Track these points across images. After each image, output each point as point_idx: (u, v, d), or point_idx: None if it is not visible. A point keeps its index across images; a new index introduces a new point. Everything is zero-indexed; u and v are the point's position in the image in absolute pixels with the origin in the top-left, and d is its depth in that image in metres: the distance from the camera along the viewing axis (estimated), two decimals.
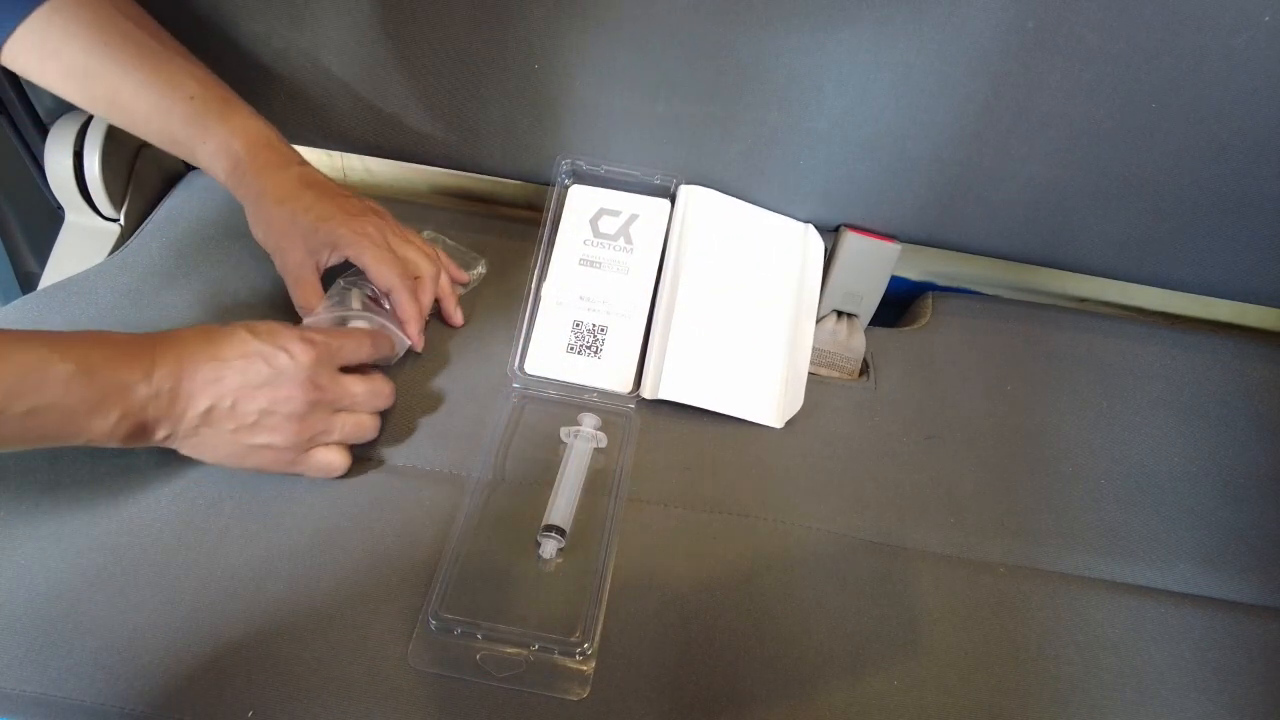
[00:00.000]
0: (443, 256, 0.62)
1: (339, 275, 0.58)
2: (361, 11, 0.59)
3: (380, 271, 0.55)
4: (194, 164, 0.56)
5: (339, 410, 0.50)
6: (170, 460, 0.51)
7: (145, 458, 0.51)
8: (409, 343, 0.57)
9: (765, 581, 0.50)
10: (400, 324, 0.57)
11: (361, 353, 0.52)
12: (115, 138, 0.66)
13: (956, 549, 0.54)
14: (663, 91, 0.60)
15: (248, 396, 0.46)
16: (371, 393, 0.51)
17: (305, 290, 0.56)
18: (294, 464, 0.49)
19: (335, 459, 0.50)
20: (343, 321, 0.55)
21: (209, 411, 0.45)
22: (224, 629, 0.45)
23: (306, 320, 0.56)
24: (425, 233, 0.66)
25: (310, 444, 0.49)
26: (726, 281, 0.63)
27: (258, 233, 0.56)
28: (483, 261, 0.67)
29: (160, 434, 0.45)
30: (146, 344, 0.44)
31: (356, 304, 0.56)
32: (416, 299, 0.57)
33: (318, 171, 0.58)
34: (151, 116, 0.54)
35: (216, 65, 0.63)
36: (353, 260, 0.56)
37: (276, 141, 0.56)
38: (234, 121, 0.55)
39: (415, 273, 0.57)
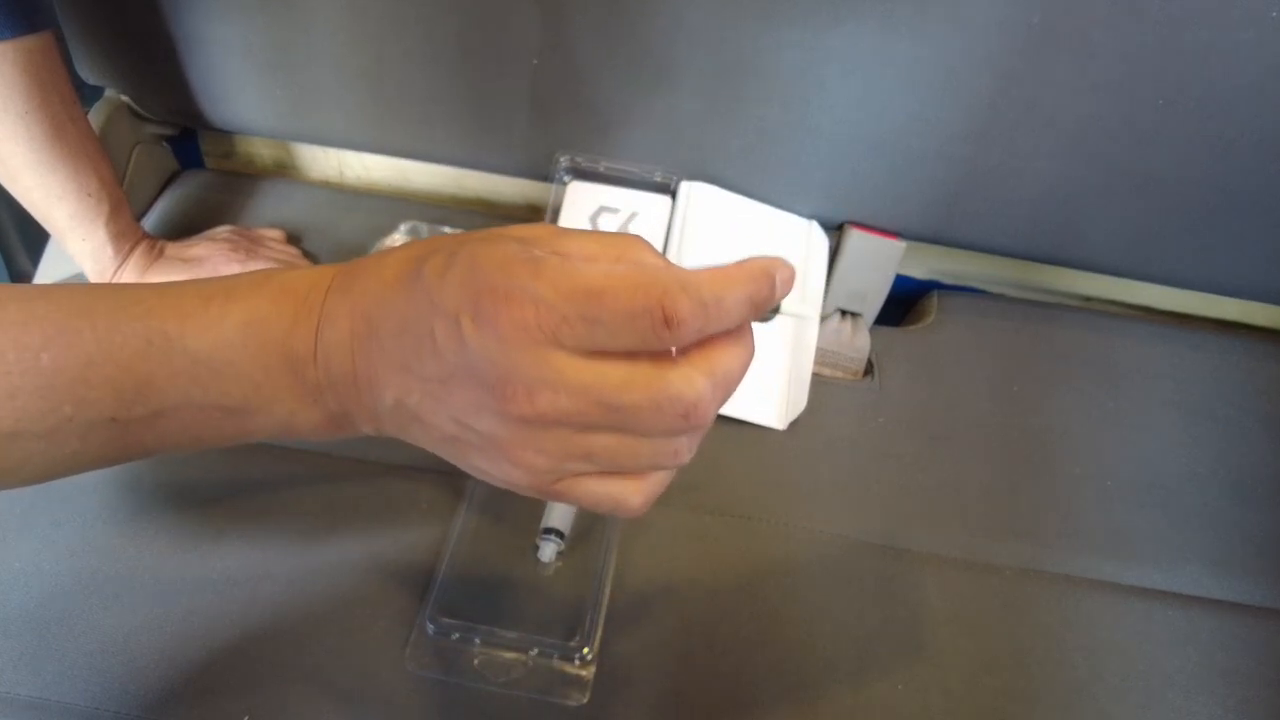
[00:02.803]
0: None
1: None
2: (360, 9, 0.58)
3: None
4: (59, 241, 0.56)
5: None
6: (165, 462, 0.51)
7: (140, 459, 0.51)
8: None
9: (768, 585, 0.50)
10: None
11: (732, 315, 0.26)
12: (109, 136, 0.65)
13: (962, 551, 0.53)
14: (663, 87, 0.59)
15: (434, 398, 0.27)
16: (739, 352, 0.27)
17: None
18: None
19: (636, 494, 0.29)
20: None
21: (398, 406, 0.27)
22: (219, 632, 0.44)
23: None
24: (404, 225, 0.67)
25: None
26: None
27: None
28: None
29: (365, 428, 0.29)
30: (316, 287, 0.28)
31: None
32: None
33: (168, 244, 0.60)
34: (37, 192, 0.53)
35: (217, 65, 0.62)
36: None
37: (145, 239, 0.58)
38: (117, 226, 0.56)
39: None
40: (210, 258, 0.58)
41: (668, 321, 0.23)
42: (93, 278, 0.57)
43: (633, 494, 0.28)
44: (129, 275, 0.57)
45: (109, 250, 0.56)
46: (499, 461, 0.27)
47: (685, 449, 0.28)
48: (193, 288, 0.29)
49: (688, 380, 0.25)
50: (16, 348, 0.26)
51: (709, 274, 0.25)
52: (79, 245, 0.55)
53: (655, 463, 0.28)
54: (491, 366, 0.24)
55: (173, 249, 0.59)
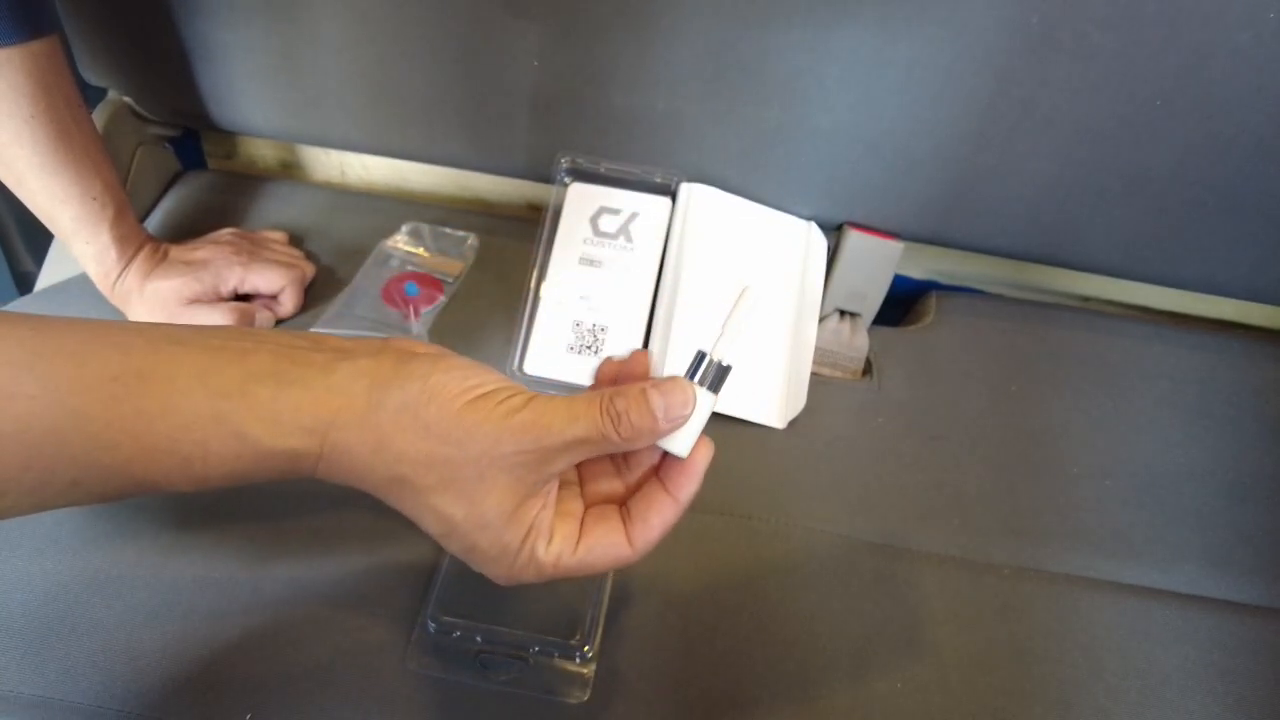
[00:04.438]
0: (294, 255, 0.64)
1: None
2: (360, 10, 0.59)
3: (270, 280, 0.60)
4: (62, 242, 0.57)
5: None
6: None
7: None
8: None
9: (767, 583, 0.50)
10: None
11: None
12: (112, 137, 0.65)
13: (960, 550, 0.54)
14: (663, 89, 0.59)
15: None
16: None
17: (224, 313, 0.58)
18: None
19: None
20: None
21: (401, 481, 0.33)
22: (222, 631, 0.44)
23: (311, 331, 0.58)
24: (406, 226, 0.67)
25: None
26: (728, 280, 0.62)
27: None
28: (472, 237, 0.67)
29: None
30: (321, 406, 0.31)
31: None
32: (300, 287, 0.62)
33: (167, 245, 0.60)
34: (42, 195, 0.53)
35: (219, 66, 0.63)
36: (241, 290, 0.59)
37: (147, 241, 0.59)
38: (120, 229, 0.56)
39: (297, 266, 0.62)
40: (213, 261, 0.58)
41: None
42: (97, 281, 0.57)
43: None
44: (133, 279, 0.57)
45: (113, 253, 0.56)
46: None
47: None
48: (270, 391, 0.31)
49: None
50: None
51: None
52: (83, 248, 0.55)
53: None
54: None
55: (176, 252, 0.59)
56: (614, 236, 0.63)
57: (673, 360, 0.59)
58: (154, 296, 0.57)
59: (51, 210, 0.54)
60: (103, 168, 0.54)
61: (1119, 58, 0.53)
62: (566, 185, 0.64)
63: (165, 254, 0.59)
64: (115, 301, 0.58)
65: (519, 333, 0.60)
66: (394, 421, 0.32)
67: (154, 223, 0.67)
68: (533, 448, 0.32)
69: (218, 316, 0.58)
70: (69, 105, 0.52)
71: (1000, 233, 0.64)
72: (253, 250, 0.61)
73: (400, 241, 0.66)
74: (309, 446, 0.32)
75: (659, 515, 0.35)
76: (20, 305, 0.59)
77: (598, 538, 0.35)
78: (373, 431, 0.32)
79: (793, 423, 0.59)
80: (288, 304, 0.60)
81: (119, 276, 0.56)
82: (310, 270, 0.63)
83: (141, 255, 0.57)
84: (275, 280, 0.60)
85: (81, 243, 0.55)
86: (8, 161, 0.51)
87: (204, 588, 0.46)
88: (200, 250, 0.60)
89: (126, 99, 0.67)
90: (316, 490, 0.50)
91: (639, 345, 0.60)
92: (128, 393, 0.29)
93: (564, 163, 0.64)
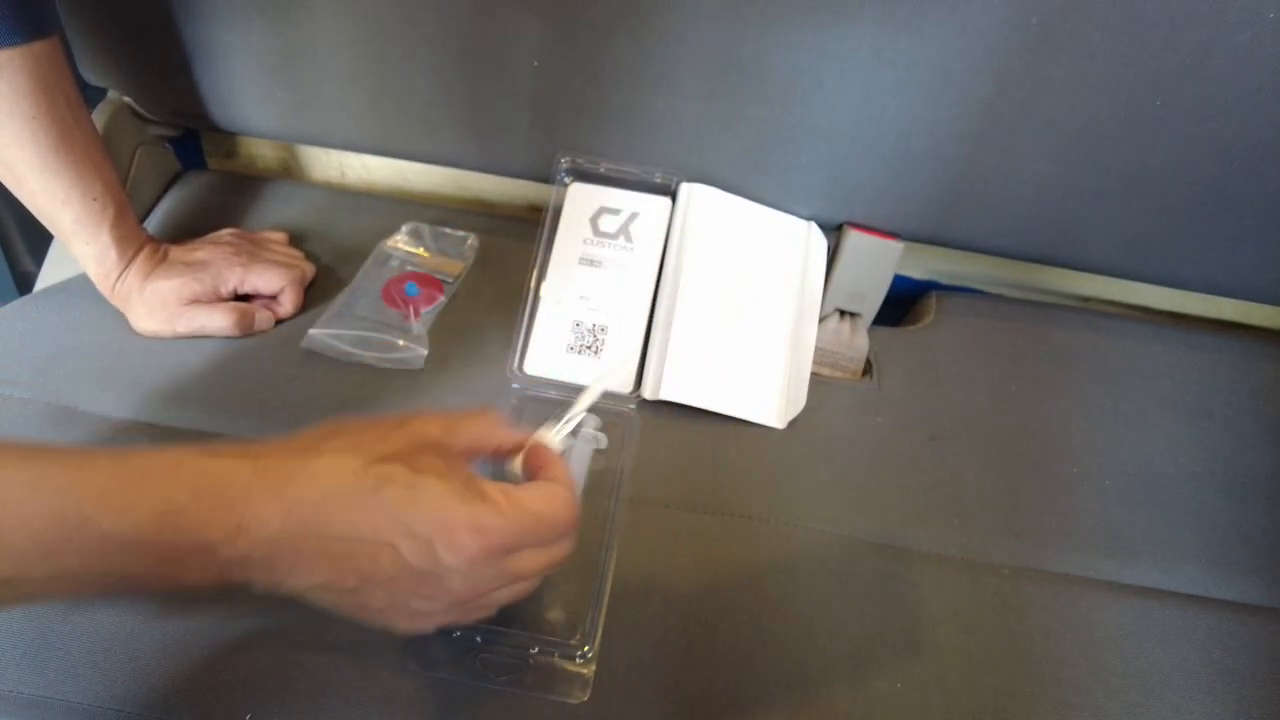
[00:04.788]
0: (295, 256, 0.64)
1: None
2: (360, 11, 0.59)
3: (271, 280, 0.60)
4: (64, 243, 0.57)
5: (481, 607, 0.38)
6: None
7: None
8: (423, 355, 0.59)
9: (767, 583, 0.50)
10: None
11: (551, 553, 0.38)
12: (112, 137, 0.65)
13: (960, 550, 0.54)
14: (663, 89, 0.59)
15: (380, 586, 0.34)
16: (550, 564, 0.38)
17: (222, 315, 0.58)
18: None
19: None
20: (352, 340, 0.58)
21: (324, 587, 0.34)
22: (222, 631, 0.44)
23: (311, 332, 0.59)
24: (406, 226, 0.67)
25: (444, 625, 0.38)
26: (728, 280, 0.63)
27: (150, 329, 0.58)
28: (472, 237, 0.67)
29: (255, 587, 0.34)
30: (236, 485, 0.32)
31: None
32: (300, 287, 0.62)
33: (169, 246, 0.60)
34: (42, 196, 0.53)
35: (219, 67, 0.63)
36: (241, 290, 0.60)
37: (147, 241, 0.59)
38: (121, 229, 0.56)
39: (298, 267, 0.62)
40: (213, 261, 0.59)
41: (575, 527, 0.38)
42: (97, 281, 0.57)
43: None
44: (133, 279, 0.57)
45: (113, 254, 0.56)
46: (414, 623, 0.37)
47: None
48: (108, 466, 0.31)
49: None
50: None
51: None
52: (83, 249, 0.55)
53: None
54: (461, 580, 0.34)
55: (176, 253, 0.59)
56: (614, 236, 0.63)
57: (673, 358, 0.59)
58: (154, 296, 0.57)
59: (52, 211, 0.54)
60: (103, 168, 0.54)
61: (1118, 58, 0.53)
62: (567, 185, 0.64)
63: (165, 254, 0.59)
64: (116, 302, 0.58)
65: (519, 333, 0.60)
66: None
67: (154, 223, 0.67)
68: None
69: (218, 317, 0.58)
70: (70, 106, 0.52)
71: (1000, 233, 0.64)
72: (253, 250, 0.61)
73: (400, 241, 0.66)
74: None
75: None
76: (20, 305, 0.59)
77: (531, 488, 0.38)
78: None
79: (793, 423, 0.59)
80: (287, 304, 0.60)
81: (119, 277, 0.57)
82: (310, 270, 0.63)
83: (142, 256, 0.57)
84: (275, 280, 0.60)
85: (82, 244, 0.55)
86: (8, 163, 0.51)
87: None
88: (200, 250, 0.60)
89: (126, 99, 0.67)
90: None
91: (639, 345, 0.60)
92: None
93: (564, 163, 0.64)
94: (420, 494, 0.33)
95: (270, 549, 0.32)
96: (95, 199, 0.54)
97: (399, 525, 0.33)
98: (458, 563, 0.34)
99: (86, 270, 0.57)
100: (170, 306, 0.57)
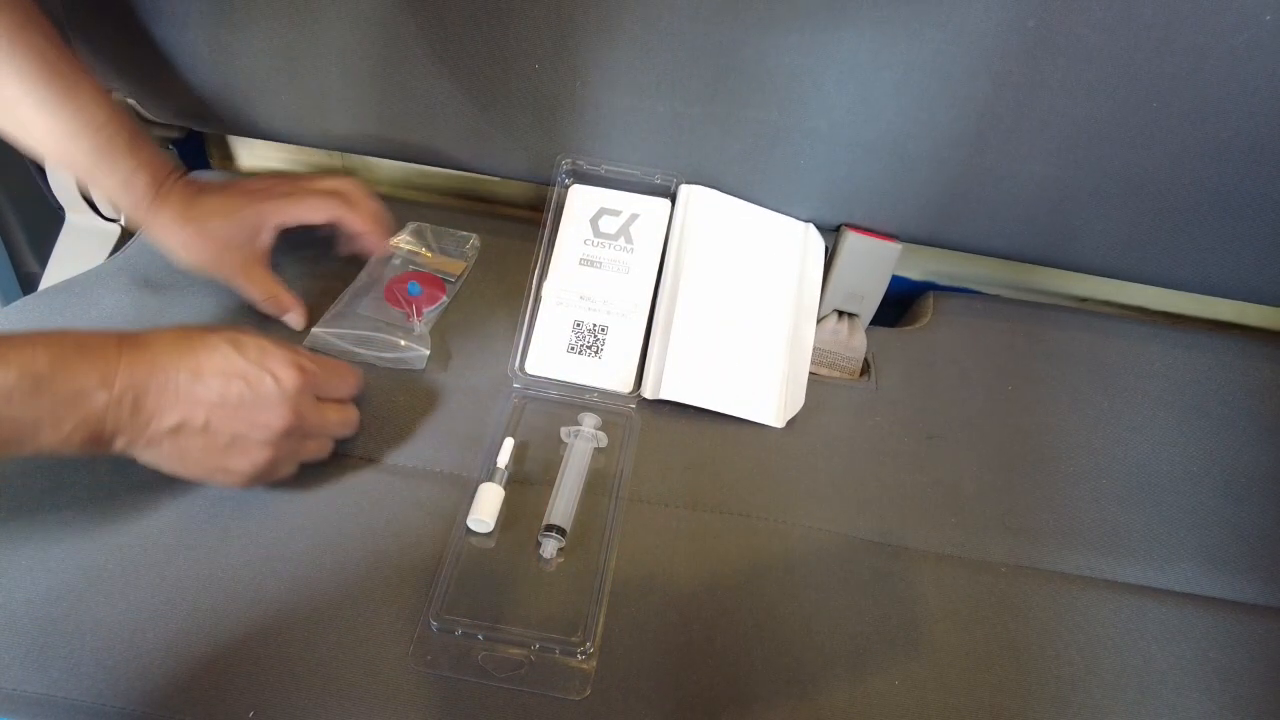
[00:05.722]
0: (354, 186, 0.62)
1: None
2: (362, 12, 0.59)
3: (316, 209, 0.57)
4: (89, 187, 0.55)
5: (307, 437, 0.49)
6: None
7: None
8: (425, 354, 0.59)
9: (766, 581, 0.50)
10: (363, 233, 0.59)
11: (345, 389, 0.51)
12: None
13: (957, 549, 0.54)
14: (663, 91, 0.60)
15: (224, 417, 0.43)
16: (343, 423, 0.51)
17: (259, 284, 0.57)
18: (253, 483, 0.48)
19: (289, 473, 0.49)
20: (354, 340, 0.57)
21: (178, 428, 0.43)
22: (225, 629, 0.45)
23: (314, 330, 0.58)
24: (410, 225, 0.67)
25: (274, 469, 0.48)
26: (727, 281, 0.63)
27: (184, 260, 0.56)
28: (474, 237, 0.68)
29: (118, 444, 0.42)
30: (111, 345, 0.41)
31: (367, 309, 0.57)
32: (364, 209, 0.59)
33: (209, 181, 0.58)
34: (50, 138, 0.52)
35: (222, 69, 0.63)
36: (287, 222, 0.57)
37: (175, 169, 0.57)
38: (141, 154, 0.54)
39: (343, 195, 0.59)
40: (253, 197, 0.57)
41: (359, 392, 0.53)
42: (130, 213, 0.55)
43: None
44: (169, 215, 0.54)
45: (140, 180, 0.54)
46: (253, 455, 0.45)
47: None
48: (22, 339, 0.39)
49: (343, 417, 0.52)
50: None
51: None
52: (108, 182, 0.54)
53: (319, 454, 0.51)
54: (288, 409, 0.45)
55: (211, 189, 0.57)
56: (614, 237, 0.63)
57: (673, 358, 0.59)
58: (195, 236, 0.55)
59: (66, 150, 0.52)
60: (102, 98, 0.53)
61: (1115, 60, 0.53)
62: (567, 186, 0.64)
63: (200, 190, 0.57)
64: (150, 233, 0.56)
65: (520, 332, 0.60)
66: None
67: None
68: None
69: (253, 290, 0.57)
70: (49, 40, 0.51)
71: (997, 234, 0.64)
72: (293, 182, 0.59)
73: (403, 241, 0.66)
74: None
75: None
76: (23, 305, 0.59)
77: None
78: None
79: (791, 422, 0.59)
80: (359, 226, 0.58)
81: (151, 205, 0.55)
82: (362, 196, 0.60)
83: (175, 188, 0.55)
84: (320, 209, 0.57)
85: (105, 176, 0.53)
86: (7, 112, 0.50)
87: (207, 586, 0.46)
88: (236, 186, 0.58)
89: (130, 101, 0.67)
90: (320, 492, 0.51)
91: (639, 346, 0.61)
92: None
93: (565, 164, 0.64)
94: (251, 341, 0.45)
95: (137, 392, 0.41)
96: (102, 127, 0.52)
97: (237, 362, 0.44)
98: (283, 391, 0.45)
99: (118, 205, 0.54)
100: (210, 250, 0.55)
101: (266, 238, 0.57)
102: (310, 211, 0.57)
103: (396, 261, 0.65)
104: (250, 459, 0.45)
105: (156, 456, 0.44)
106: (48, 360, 0.39)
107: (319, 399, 0.49)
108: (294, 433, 0.46)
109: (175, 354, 0.42)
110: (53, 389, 0.38)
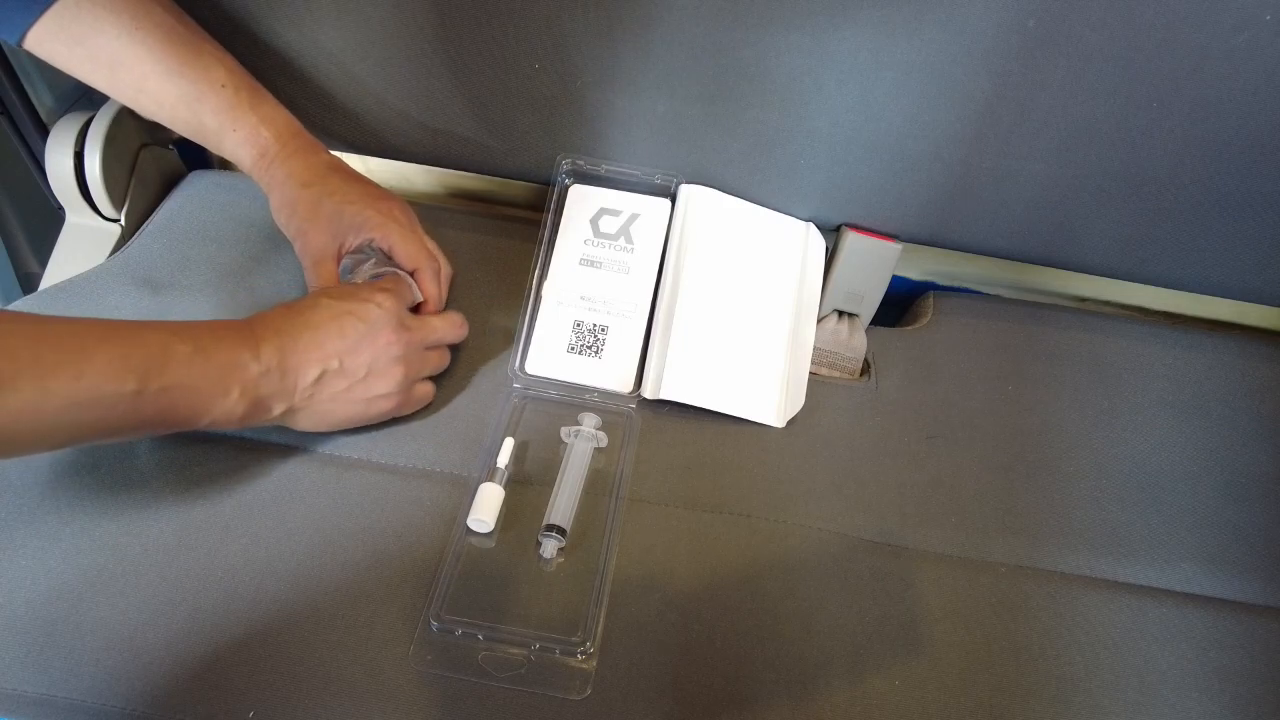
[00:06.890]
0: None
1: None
2: (361, 13, 0.59)
3: (408, 251, 0.56)
4: (218, 151, 0.56)
5: (426, 347, 0.54)
6: (171, 460, 0.51)
7: (146, 457, 0.51)
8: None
9: (766, 581, 0.50)
10: (422, 305, 0.57)
11: (415, 296, 0.56)
12: (116, 138, 0.66)
13: (958, 549, 0.54)
14: (663, 91, 0.60)
15: (352, 352, 0.48)
16: (450, 324, 0.56)
17: (325, 272, 0.56)
18: (403, 406, 0.53)
19: (429, 390, 0.55)
20: (375, 276, 0.56)
21: (321, 378, 0.47)
22: (225, 629, 0.45)
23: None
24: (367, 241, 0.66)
25: (411, 383, 0.53)
26: (727, 281, 0.63)
27: (281, 217, 0.56)
28: (475, 237, 0.67)
29: (277, 409, 0.46)
30: (244, 326, 0.46)
31: (370, 266, 0.57)
32: (438, 281, 0.58)
33: (343, 161, 0.59)
34: (180, 104, 0.54)
35: None
36: (379, 241, 0.56)
37: (302, 131, 0.58)
38: (263, 110, 0.56)
39: (435, 265, 0.58)
40: (363, 208, 0.56)
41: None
42: (251, 167, 0.56)
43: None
44: (299, 165, 0.55)
45: (265, 133, 0.55)
46: (391, 374, 0.50)
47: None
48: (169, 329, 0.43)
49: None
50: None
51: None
52: (233, 138, 0.55)
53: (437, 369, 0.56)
54: (393, 318, 0.50)
55: (335, 178, 0.57)
56: (614, 237, 0.63)
57: (673, 358, 0.59)
58: (305, 204, 0.55)
59: (194, 115, 0.54)
60: (223, 58, 0.55)
61: (1116, 60, 0.53)
62: (567, 186, 0.64)
63: (331, 166, 0.57)
64: (266, 187, 0.56)
65: (520, 332, 0.60)
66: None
67: (158, 223, 0.67)
68: None
69: (314, 282, 0.55)
70: (167, 10, 0.53)
71: (997, 234, 0.64)
72: (411, 219, 0.58)
73: None
74: None
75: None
76: (24, 305, 0.59)
77: None
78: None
79: (791, 422, 0.59)
80: (423, 293, 0.57)
81: (276, 158, 0.55)
82: (447, 270, 0.60)
83: (301, 148, 0.56)
84: (412, 260, 0.56)
85: (230, 133, 0.55)
86: (136, 80, 0.52)
87: (207, 586, 0.46)
88: (367, 184, 0.58)
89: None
90: (320, 492, 0.51)
91: (639, 346, 0.61)
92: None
93: (565, 164, 0.64)
94: (334, 288, 0.51)
95: (280, 358, 0.45)
96: (225, 85, 0.54)
97: (338, 305, 0.49)
98: (387, 311, 0.50)
99: (241, 164, 0.56)
100: (309, 224, 0.54)
101: (353, 241, 0.56)
102: (404, 256, 0.56)
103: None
104: (390, 379, 0.50)
105: (311, 416, 0.49)
106: (210, 338, 0.43)
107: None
108: (414, 343, 0.52)
109: (291, 318, 0.47)
110: (217, 358, 0.43)
